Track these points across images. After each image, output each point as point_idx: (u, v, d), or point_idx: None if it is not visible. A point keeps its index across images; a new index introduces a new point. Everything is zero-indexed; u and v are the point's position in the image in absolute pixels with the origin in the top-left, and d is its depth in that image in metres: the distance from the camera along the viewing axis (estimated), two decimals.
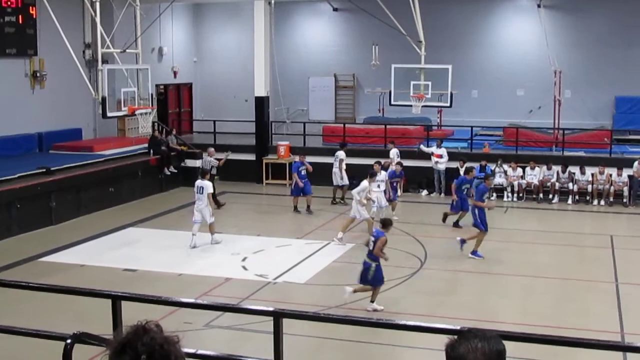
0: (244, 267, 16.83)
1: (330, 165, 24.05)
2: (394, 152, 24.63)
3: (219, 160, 24.05)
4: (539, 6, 30.31)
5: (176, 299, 7.51)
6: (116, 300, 6.38)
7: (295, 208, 22.73)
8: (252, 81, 28.14)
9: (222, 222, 21.31)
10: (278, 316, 5.97)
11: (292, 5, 32.41)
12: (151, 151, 26.20)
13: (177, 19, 31.90)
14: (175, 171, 26.59)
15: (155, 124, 27.22)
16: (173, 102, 32.68)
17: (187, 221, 21.82)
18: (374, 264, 13.69)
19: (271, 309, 6.20)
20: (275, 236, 19.70)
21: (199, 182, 19.08)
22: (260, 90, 27.94)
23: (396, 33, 25.62)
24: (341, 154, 23.96)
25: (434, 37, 26.96)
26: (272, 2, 28.09)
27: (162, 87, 31.14)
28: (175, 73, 31.94)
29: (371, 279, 13.74)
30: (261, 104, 28.04)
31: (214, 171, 23.24)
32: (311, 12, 33.70)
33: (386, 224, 14.32)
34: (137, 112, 21.68)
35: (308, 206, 22.62)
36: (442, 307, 14.31)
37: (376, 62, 27.40)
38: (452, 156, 25.40)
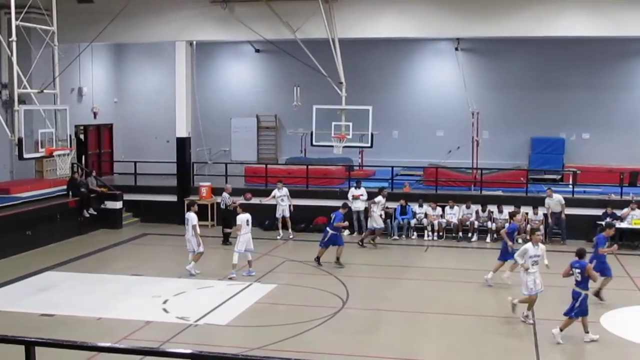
0: (165, 310, 16.61)
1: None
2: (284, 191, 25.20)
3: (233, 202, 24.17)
4: (456, 49, 31.09)
5: (92, 343, 7.36)
6: (29, 346, 6.21)
7: (318, 259, 21.01)
8: (173, 122, 28.03)
9: (142, 264, 21.12)
10: (196, 359, 5.91)
11: (214, 46, 32.48)
12: (70, 193, 25.78)
13: (97, 59, 31.63)
14: (95, 213, 26.18)
15: (75, 165, 26.83)
16: (93, 143, 32.24)
17: (107, 264, 21.54)
18: (583, 293, 14.34)
19: (189, 351, 6.13)
20: (196, 278, 19.49)
21: (186, 215, 20.02)
22: (182, 131, 27.83)
23: (317, 74, 25.96)
24: (379, 199, 24.05)
25: (355, 79, 27.35)
26: (194, 42, 28.13)
27: (81, 127, 30.74)
28: (95, 114, 31.56)
29: (578, 307, 14.30)
30: (183, 144, 27.91)
31: (230, 207, 23.62)
32: (233, 53, 33.82)
33: (582, 252, 14.80)
34: (55, 154, 21.35)
35: (338, 258, 20.98)
36: (364, 346, 14.35)
37: (298, 103, 27.62)
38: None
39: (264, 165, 28.97)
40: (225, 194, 24.42)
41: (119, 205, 27.07)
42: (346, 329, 15.48)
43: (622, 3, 24.35)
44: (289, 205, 25.15)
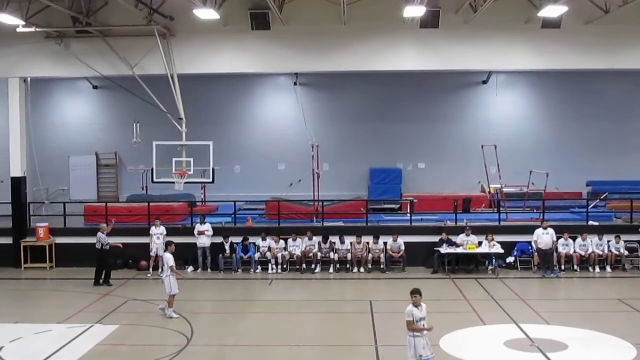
0: (1, 358, 15.90)
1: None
2: (161, 229, 24.71)
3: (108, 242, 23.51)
4: (295, 84, 31.71)
5: None
6: None
7: None
8: (7, 161, 26.98)
9: None
10: None
11: (50, 83, 31.67)
12: None
13: None
14: None
15: None
16: None
17: None
18: None
19: None
20: (34, 322, 18.76)
21: (163, 255, 19.92)
22: (17, 171, 26.85)
23: (157, 110, 25.82)
24: None
25: (195, 114, 27.34)
26: (28, 79, 27.29)
27: None
28: None
29: None
30: (18, 184, 26.91)
31: (106, 247, 23.23)
32: (70, 90, 33.12)
33: None
34: None
35: None
36: None
37: (137, 140, 27.27)
38: (216, 231, 25.64)
39: (104, 204, 28.27)
40: (100, 234, 23.40)
41: None
42: None
43: (448, 39, 25.57)
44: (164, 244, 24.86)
